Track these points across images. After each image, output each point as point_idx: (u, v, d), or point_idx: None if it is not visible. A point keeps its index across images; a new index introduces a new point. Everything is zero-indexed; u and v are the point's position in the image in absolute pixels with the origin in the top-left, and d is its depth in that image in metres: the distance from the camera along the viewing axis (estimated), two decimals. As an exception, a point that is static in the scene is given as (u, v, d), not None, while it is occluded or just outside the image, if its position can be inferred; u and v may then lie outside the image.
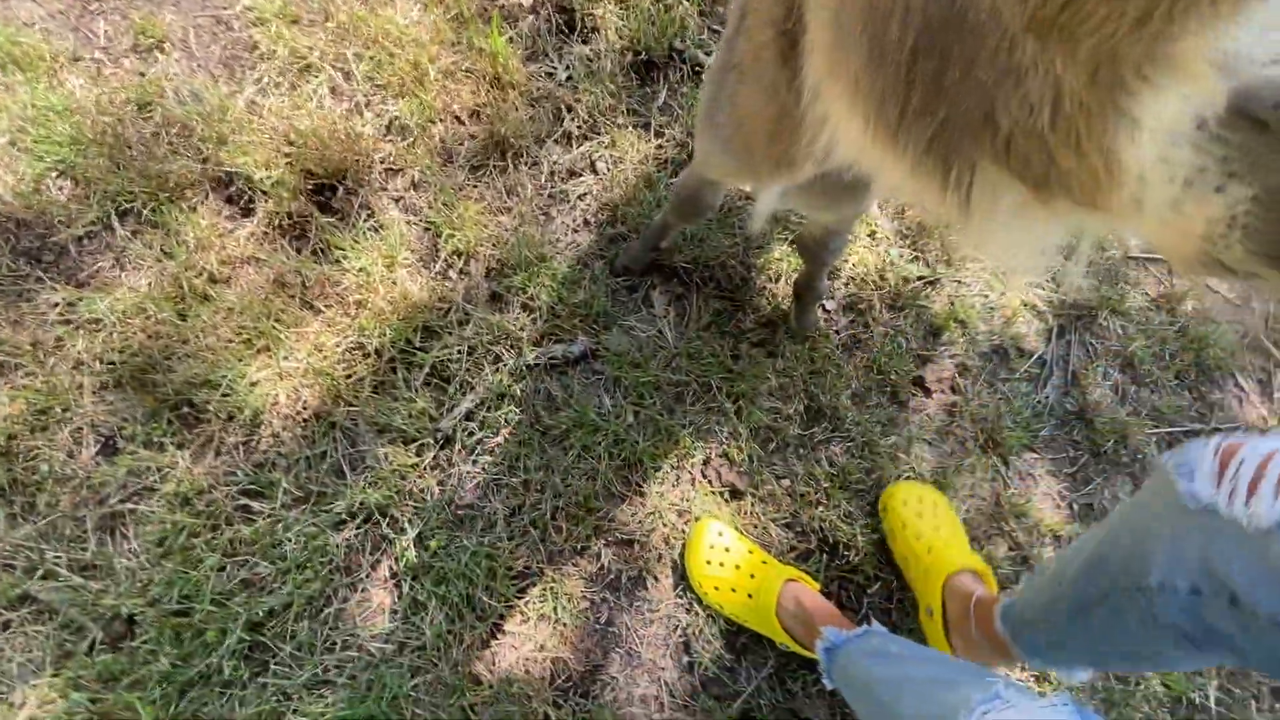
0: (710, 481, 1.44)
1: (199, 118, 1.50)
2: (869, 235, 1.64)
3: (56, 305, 1.39)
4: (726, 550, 1.31)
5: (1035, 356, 1.62)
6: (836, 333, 1.56)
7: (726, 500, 1.43)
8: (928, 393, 1.56)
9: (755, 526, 1.42)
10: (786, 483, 1.45)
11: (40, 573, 1.25)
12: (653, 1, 1.69)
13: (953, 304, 1.61)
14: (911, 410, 1.54)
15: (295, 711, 1.22)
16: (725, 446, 1.46)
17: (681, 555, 1.37)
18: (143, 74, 1.55)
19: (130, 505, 1.31)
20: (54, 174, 1.46)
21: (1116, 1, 0.23)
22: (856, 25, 0.37)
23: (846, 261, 1.61)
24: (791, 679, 1.33)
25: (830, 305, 1.58)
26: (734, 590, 1.28)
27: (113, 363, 1.36)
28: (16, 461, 1.30)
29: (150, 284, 1.42)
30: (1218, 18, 0.22)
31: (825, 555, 1.41)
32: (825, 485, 1.44)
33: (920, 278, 1.62)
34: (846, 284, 1.60)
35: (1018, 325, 1.63)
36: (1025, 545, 1.47)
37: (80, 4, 1.60)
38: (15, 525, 1.28)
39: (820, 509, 1.43)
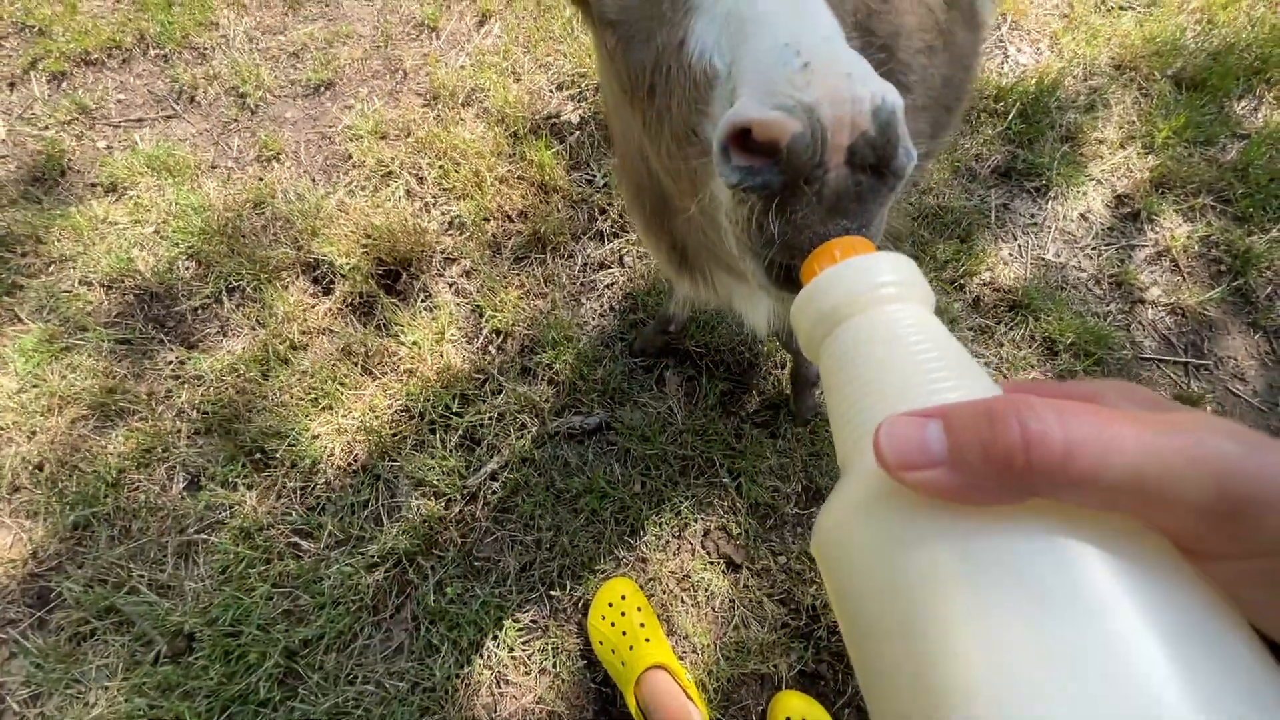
0: (708, 552, 1.53)
1: (299, 214, 1.83)
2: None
3: (171, 362, 1.69)
4: (621, 615, 1.41)
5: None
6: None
7: (724, 571, 1.51)
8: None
9: (750, 600, 1.48)
10: (782, 559, 1.52)
11: (125, 589, 1.47)
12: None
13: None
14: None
15: (315, 737, 1.35)
16: (724, 520, 1.55)
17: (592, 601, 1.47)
18: (261, 179, 1.91)
19: (203, 535, 1.53)
20: (184, 257, 1.81)
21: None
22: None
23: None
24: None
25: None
26: (613, 651, 1.38)
27: (207, 412, 1.62)
28: (122, 492, 1.56)
29: (244, 348, 1.70)
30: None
31: (822, 634, 1.45)
32: (820, 564, 1.50)
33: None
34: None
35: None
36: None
37: (221, 124, 2.01)
38: (113, 545, 1.52)
39: (815, 588, 1.48)
